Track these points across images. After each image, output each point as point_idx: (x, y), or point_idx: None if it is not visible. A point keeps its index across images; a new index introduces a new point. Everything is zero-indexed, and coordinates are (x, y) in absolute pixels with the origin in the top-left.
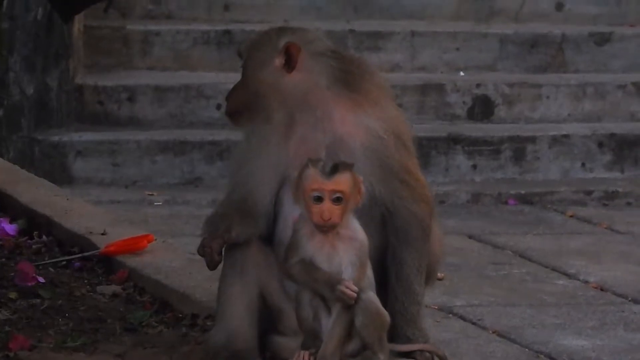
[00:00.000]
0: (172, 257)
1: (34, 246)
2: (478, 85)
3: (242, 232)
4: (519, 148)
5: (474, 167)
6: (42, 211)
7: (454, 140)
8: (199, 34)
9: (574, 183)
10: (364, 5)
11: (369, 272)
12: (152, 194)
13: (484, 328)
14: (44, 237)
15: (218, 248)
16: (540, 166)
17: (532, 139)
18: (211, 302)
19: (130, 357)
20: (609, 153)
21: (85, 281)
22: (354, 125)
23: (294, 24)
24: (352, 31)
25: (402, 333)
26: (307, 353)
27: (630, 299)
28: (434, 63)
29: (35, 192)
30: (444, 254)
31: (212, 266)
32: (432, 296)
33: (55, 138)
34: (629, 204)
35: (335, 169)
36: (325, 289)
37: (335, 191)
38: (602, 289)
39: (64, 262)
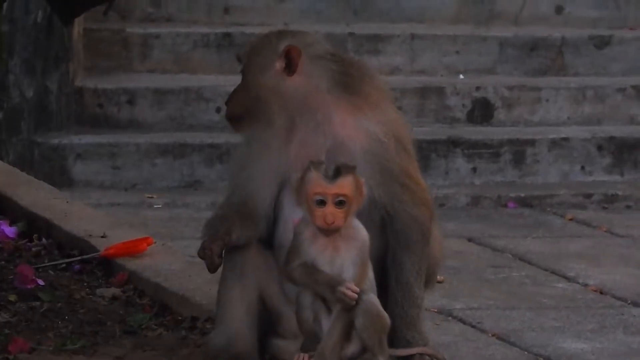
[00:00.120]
0: (172, 260)
1: (33, 249)
2: (478, 89)
3: (242, 234)
4: (519, 151)
5: (474, 170)
6: (41, 214)
7: (453, 143)
8: (198, 36)
9: (574, 186)
10: (363, 9)
11: (370, 274)
12: (151, 197)
13: (483, 331)
14: (44, 239)
15: (218, 251)
16: (539, 169)
17: (532, 142)
18: (211, 305)
19: (130, 359)
20: (609, 156)
21: (85, 284)
22: (355, 128)
23: (294, 27)
24: (351, 34)
25: (401, 336)
26: (306, 355)
27: (629, 302)
28: (434, 66)
29: (35, 194)
30: (443, 257)
31: (212, 269)
32: (431, 299)
33: (55, 141)
34: (628, 207)
35: (338, 172)
36: (327, 290)
37: (338, 195)
38: (601, 292)
39: (64, 265)
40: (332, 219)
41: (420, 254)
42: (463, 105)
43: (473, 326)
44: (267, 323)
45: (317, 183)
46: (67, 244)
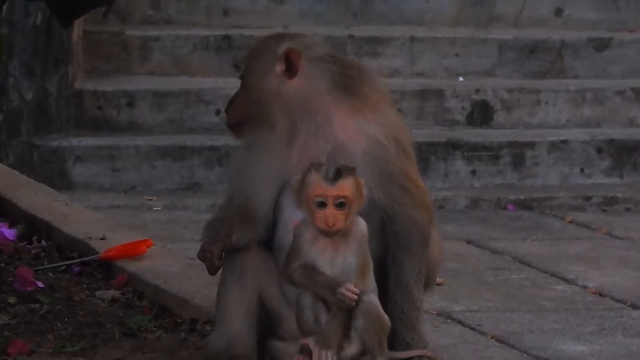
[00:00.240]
0: (171, 262)
1: (33, 251)
2: (477, 91)
3: (242, 237)
4: (518, 153)
5: (473, 172)
6: (41, 216)
7: (453, 146)
8: (198, 39)
9: (573, 188)
10: (363, 11)
11: (371, 274)
12: (151, 199)
13: (482, 333)
14: (43, 242)
15: (218, 253)
16: (539, 172)
17: (531, 145)
18: (210, 307)
19: None
20: (608, 159)
21: (85, 286)
22: (355, 131)
23: (294, 29)
24: (351, 37)
25: (401, 338)
26: (306, 357)
27: (629, 304)
28: (433, 68)
29: (34, 197)
30: (443, 259)
31: (212, 271)
32: (431, 301)
33: (55, 143)
34: (628, 209)
35: (338, 174)
36: (327, 292)
37: (338, 196)
38: (601, 295)
39: (63, 267)
40: (332, 220)
41: (420, 256)
42: (462, 107)
43: (472, 328)
44: (266, 325)
45: (318, 185)
46: (66, 246)
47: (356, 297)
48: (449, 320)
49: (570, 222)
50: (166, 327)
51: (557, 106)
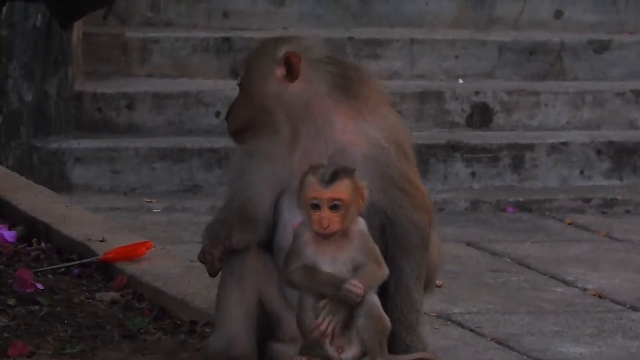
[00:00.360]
0: (171, 264)
1: (32, 253)
2: (477, 93)
3: (242, 238)
4: (518, 156)
5: (473, 174)
6: (41, 218)
7: (452, 148)
8: (198, 41)
9: (573, 191)
10: (363, 13)
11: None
12: (150, 201)
13: (482, 335)
14: (43, 244)
15: (219, 255)
16: (538, 174)
17: (531, 147)
18: (210, 309)
19: None
20: (608, 161)
21: (84, 288)
22: (355, 134)
23: (293, 31)
24: (351, 39)
25: (400, 340)
26: (304, 358)
27: (628, 306)
28: (433, 71)
29: (34, 199)
30: (442, 261)
31: (213, 273)
32: (430, 303)
33: (54, 145)
34: (627, 211)
35: (334, 177)
36: (331, 289)
37: (332, 199)
38: (600, 297)
39: (63, 269)
40: (327, 223)
41: (420, 259)
42: (462, 109)
43: (472, 330)
44: (266, 327)
45: (313, 187)
46: (66, 248)
47: (362, 292)
48: (449, 322)
49: (570, 224)
50: (166, 329)
51: (557, 108)
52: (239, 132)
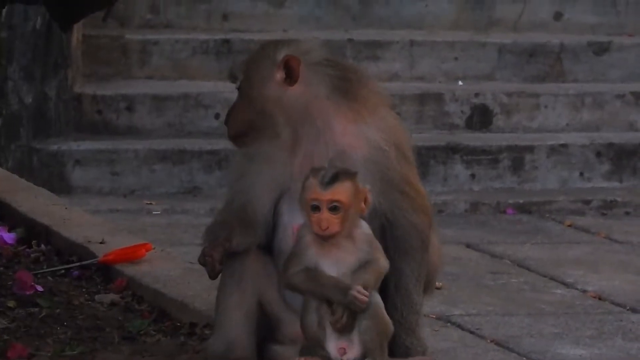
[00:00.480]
0: (171, 266)
1: (32, 255)
2: (476, 95)
3: (242, 241)
4: (517, 157)
5: (473, 176)
6: (40, 220)
7: (452, 150)
8: (197, 43)
9: (572, 192)
10: (362, 15)
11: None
12: (150, 203)
13: (482, 337)
14: (43, 246)
15: (219, 257)
16: (538, 176)
17: (531, 149)
18: (209, 311)
19: None
20: (608, 163)
21: (84, 290)
22: (355, 136)
23: (293, 33)
24: (350, 41)
25: (400, 342)
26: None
27: (628, 308)
28: (433, 72)
29: (33, 201)
30: (442, 263)
31: (213, 275)
32: (430, 305)
33: (54, 147)
34: (627, 213)
35: (334, 178)
36: (336, 293)
37: (331, 201)
38: (600, 299)
39: (63, 271)
40: (326, 224)
41: (420, 261)
42: (462, 111)
43: (472, 332)
44: (265, 329)
45: (313, 189)
46: (66, 250)
47: (367, 300)
48: (448, 324)
49: (570, 226)
50: (165, 331)
51: (557, 110)
52: (239, 136)
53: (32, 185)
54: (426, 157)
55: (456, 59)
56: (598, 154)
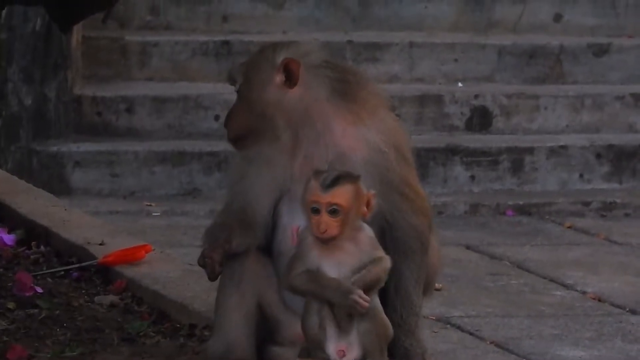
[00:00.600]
0: (170, 267)
1: (32, 256)
2: (476, 96)
3: (242, 242)
4: (517, 159)
5: (472, 178)
6: (40, 221)
7: (452, 151)
8: (197, 44)
9: (572, 194)
10: (362, 17)
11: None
12: (150, 205)
13: (481, 339)
14: (42, 247)
15: (219, 259)
16: (538, 177)
17: (530, 150)
18: (209, 312)
19: None
20: (607, 164)
21: (83, 291)
22: (355, 138)
23: (292, 35)
24: (350, 42)
25: (400, 344)
26: None
27: (628, 309)
28: (432, 74)
29: (33, 202)
30: (442, 265)
31: (212, 277)
32: (430, 307)
33: (54, 149)
34: (627, 215)
35: (335, 182)
36: (336, 296)
37: (331, 204)
38: (600, 300)
39: (62, 273)
40: (325, 227)
41: (419, 263)
42: (462, 113)
43: (471, 334)
44: (265, 330)
45: (313, 191)
46: (65, 252)
47: (367, 305)
48: (448, 326)
49: (569, 227)
50: (165, 332)
51: (556, 112)
52: (238, 139)
53: (31, 187)
54: (426, 159)
55: (456, 60)
56: (598, 156)
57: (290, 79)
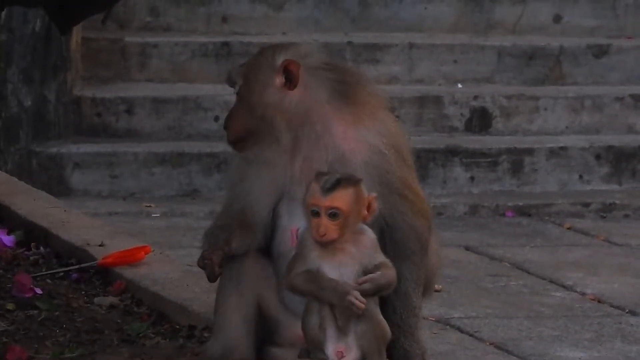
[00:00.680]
0: (170, 268)
1: (31, 258)
2: (476, 98)
3: (242, 244)
4: (517, 160)
5: (472, 179)
6: (39, 223)
7: (451, 153)
8: (197, 46)
9: (572, 195)
10: (361, 18)
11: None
12: (149, 206)
13: (481, 340)
14: (42, 248)
15: (219, 260)
16: (537, 178)
17: (530, 151)
18: (208, 313)
19: None
20: (607, 165)
21: (83, 292)
22: (355, 140)
23: (292, 36)
24: (350, 43)
25: (399, 345)
26: None
27: (627, 310)
28: (432, 75)
29: (33, 204)
30: (441, 266)
31: (212, 278)
32: (429, 308)
33: (53, 150)
34: (626, 216)
35: (335, 185)
36: (334, 297)
37: (330, 207)
38: (599, 301)
39: (62, 274)
40: (324, 230)
41: (419, 264)
42: (461, 114)
43: (471, 335)
44: (264, 331)
45: (313, 195)
46: (65, 253)
47: (364, 306)
48: (448, 327)
49: (569, 228)
50: (164, 333)
51: (556, 113)
52: (238, 141)
53: (31, 188)
54: (425, 160)
55: (455, 61)
56: (597, 157)
57: (291, 81)
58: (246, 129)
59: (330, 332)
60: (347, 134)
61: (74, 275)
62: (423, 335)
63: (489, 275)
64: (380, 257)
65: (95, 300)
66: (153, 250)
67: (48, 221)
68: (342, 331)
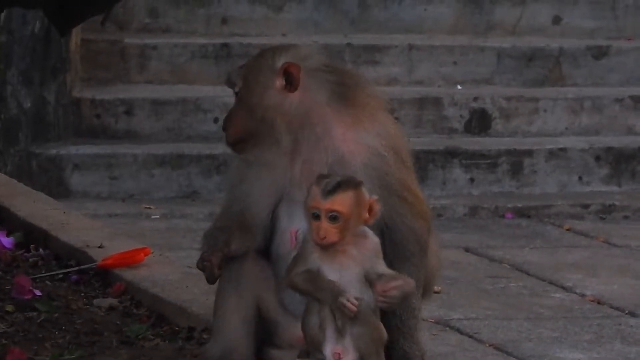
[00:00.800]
0: (169, 270)
1: (30, 259)
2: (475, 99)
3: (241, 245)
4: (516, 162)
5: (471, 180)
6: (39, 224)
7: (451, 154)
8: (196, 47)
9: (571, 196)
10: (361, 19)
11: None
12: (149, 208)
13: (480, 341)
14: (41, 250)
15: (218, 262)
16: (537, 180)
17: (529, 153)
18: (208, 315)
19: None
20: (606, 167)
21: (82, 294)
22: (355, 143)
23: (292, 38)
24: (349, 45)
25: (399, 347)
26: None
27: (627, 312)
28: (431, 77)
29: (32, 205)
30: (441, 267)
31: (212, 280)
32: (428, 309)
33: (53, 151)
34: (626, 217)
35: (335, 188)
36: (327, 296)
37: (330, 210)
38: (599, 303)
39: (61, 275)
40: (324, 233)
41: (418, 265)
42: (461, 115)
43: (470, 336)
44: (263, 333)
45: (314, 197)
46: (64, 255)
47: (356, 308)
48: (447, 329)
49: (568, 230)
50: (164, 335)
51: (556, 114)
52: (237, 142)
53: (30, 190)
54: (425, 162)
55: (455, 63)
56: (597, 158)
57: (291, 83)
58: (245, 131)
59: (330, 332)
60: (346, 136)
61: (74, 277)
62: (423, 336)
63: (488, 276)
64: (385, 268)
65: (95, 301)
66: (152, 252)
67: (47, 223)
68: (340, 333)
